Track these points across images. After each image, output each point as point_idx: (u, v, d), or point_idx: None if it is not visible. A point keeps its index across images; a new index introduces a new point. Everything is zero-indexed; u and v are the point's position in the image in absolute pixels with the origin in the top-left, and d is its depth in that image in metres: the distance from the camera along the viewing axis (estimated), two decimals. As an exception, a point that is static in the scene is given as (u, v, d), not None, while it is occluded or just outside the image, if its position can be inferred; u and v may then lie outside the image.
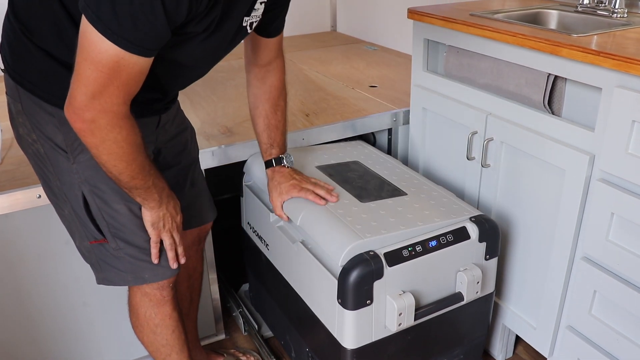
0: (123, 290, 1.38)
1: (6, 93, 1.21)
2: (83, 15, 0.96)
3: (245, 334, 1.97)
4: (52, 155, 1.20)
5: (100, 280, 1.32)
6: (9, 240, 1.52)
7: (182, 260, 1.32)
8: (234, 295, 2.06)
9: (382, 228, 1.36)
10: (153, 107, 1.28)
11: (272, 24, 1.36)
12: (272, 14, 1.31)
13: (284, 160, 1.52)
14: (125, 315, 1.41)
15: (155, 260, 1.27)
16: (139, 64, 1.00)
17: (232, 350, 1.86)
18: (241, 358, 1.82)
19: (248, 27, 1.22)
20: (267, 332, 1.95)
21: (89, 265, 1.33)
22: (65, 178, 1.21)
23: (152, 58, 1.02)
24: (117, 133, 1.05)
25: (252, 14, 1.19)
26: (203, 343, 1.87)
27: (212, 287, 1.87)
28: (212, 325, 1.93)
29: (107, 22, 0.93)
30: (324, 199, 1.47)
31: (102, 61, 0.96)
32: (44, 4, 1.09)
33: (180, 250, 1.31)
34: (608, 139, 1.26)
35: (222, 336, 1.96)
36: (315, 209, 1.45)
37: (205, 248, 1.76)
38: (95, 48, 0.96)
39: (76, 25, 1.05)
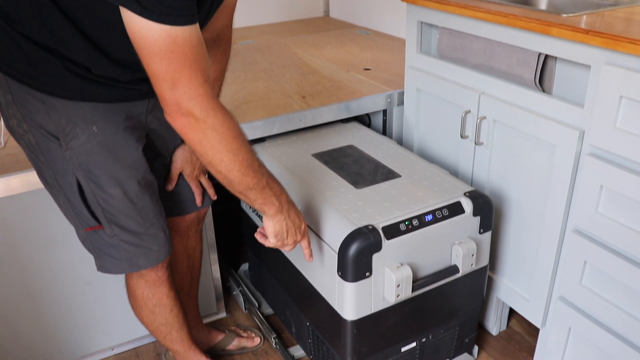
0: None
1: None
2: (124, 15, 0.95)
3: (246, 311, 2.01)
4: (44, 144, 1.19)
5: (99, 268, 1.33)
6: (14, 222, 1.55)
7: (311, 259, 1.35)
8: (233, 275, 2.10)
9: (377, 214, 1.40)
10: (141, 89, 1.23)
11: None
12: None
13: None
14: (129, 293, 1.45)
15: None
16: (194, 34, 0.98)
17: (233, 328, 1.90)
18: (242, 335, 1.86)
19: None
20: (267, 310, 1.99)
21: None
22: (59, 166, 1.20)
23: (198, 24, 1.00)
24: (213, 117, 1.03)
25: None
26: (205, 321, 1.91)
27: (212, 268, 1.91)
28: (213, 304, 1.97)
29: (149, 7, 0.92)
30: None
31: (162, 49, 0.95)
32: None
33: (309, 247, 1.34)
34: (597, 114, 1.31)
35: (223, 314, 2.00)
36: (313, 198, 1.49)
37: (205, 230, 1.81)
38: (149, 40, 0.95)
39: (59, 9, 1.05)
